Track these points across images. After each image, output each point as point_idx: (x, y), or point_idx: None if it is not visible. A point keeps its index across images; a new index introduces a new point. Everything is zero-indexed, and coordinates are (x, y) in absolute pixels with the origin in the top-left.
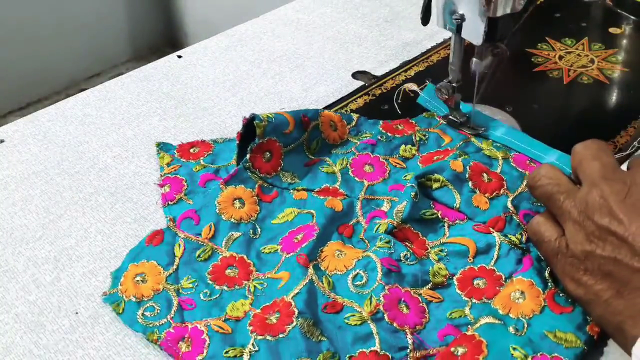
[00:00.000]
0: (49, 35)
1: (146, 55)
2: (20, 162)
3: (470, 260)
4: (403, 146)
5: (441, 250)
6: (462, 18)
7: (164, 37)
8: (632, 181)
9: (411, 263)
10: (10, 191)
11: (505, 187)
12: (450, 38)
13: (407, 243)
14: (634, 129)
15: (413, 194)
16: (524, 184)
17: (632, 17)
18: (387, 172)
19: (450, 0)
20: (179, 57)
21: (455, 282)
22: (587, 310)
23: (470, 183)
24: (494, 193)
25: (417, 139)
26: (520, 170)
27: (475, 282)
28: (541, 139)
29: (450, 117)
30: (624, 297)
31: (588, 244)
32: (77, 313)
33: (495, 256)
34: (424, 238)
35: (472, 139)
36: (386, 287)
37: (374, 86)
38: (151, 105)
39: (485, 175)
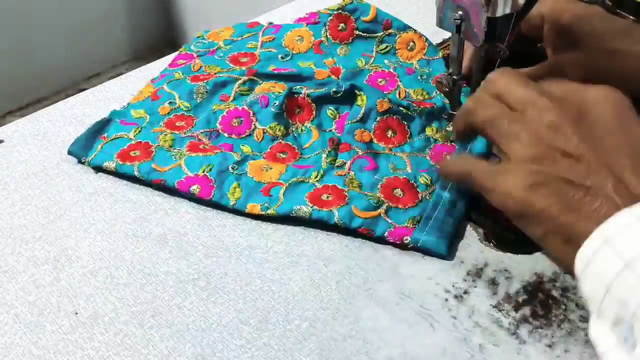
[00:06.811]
0: (49, 35)
1: (146, 55)
2: (20, 162)
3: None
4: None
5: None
6: (461, 18)
7: (164, 37)
8: (582, 106)
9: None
10: (10, 191)
11: None
12: (450, 38)
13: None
14: None
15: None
16: None
17: (632, 17)
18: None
19: (450, 0)
20: None
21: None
22: (527, 226)
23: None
24: None
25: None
26: None
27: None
28: None
29: (451, 112)
30: (575, 211)
31: (537, 164)
32: (76, 313)
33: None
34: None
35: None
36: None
37: None
38: None
39: None
